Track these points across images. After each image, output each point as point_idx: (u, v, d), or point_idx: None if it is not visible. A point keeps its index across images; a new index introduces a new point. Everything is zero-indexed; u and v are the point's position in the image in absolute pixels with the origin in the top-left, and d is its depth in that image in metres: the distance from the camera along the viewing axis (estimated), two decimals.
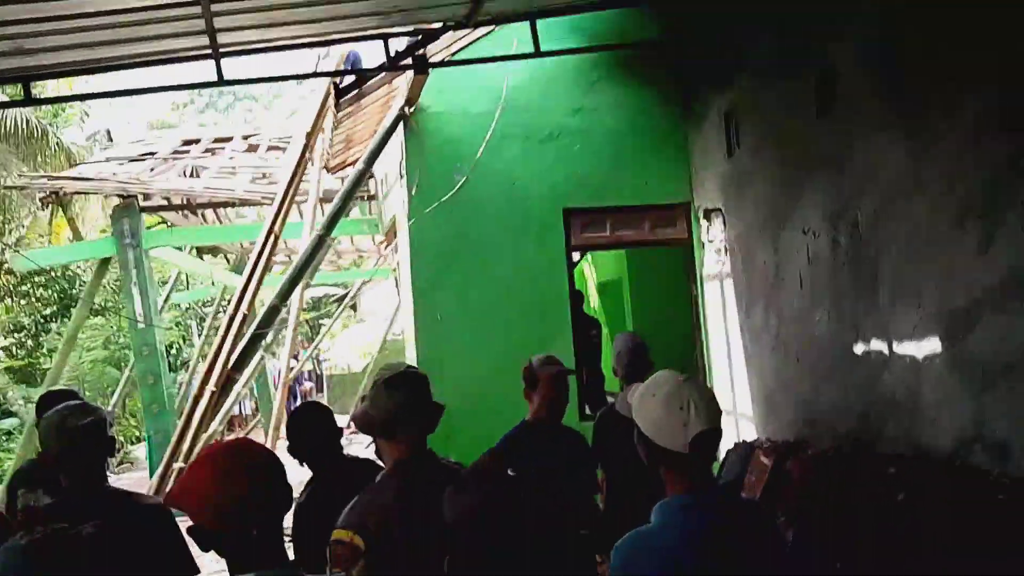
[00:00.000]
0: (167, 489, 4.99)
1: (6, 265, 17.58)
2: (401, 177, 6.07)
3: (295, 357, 17.32)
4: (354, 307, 25.60)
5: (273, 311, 4.97)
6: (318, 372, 26.06)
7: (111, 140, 20.10)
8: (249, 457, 1.71)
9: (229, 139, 10.92)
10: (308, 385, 24.27)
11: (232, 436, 16.60)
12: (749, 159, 5.39)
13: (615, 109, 6.30)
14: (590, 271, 11.63)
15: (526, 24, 5.17)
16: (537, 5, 5.11)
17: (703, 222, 6.27)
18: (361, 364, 23.38)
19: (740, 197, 5.57)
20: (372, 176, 8.40)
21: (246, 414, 19.33)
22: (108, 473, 2.74)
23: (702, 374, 6.16)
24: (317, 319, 24.12)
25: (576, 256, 7.58)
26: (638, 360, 4.27)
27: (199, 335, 19.73)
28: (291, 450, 2.97)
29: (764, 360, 5.38)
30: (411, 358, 6.41)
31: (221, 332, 5.33)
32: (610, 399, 5.75)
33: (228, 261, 15.28)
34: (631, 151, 6.31)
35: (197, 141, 10.70)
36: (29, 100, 4.56)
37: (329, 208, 5.66)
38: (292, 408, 3.52)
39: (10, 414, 15.10)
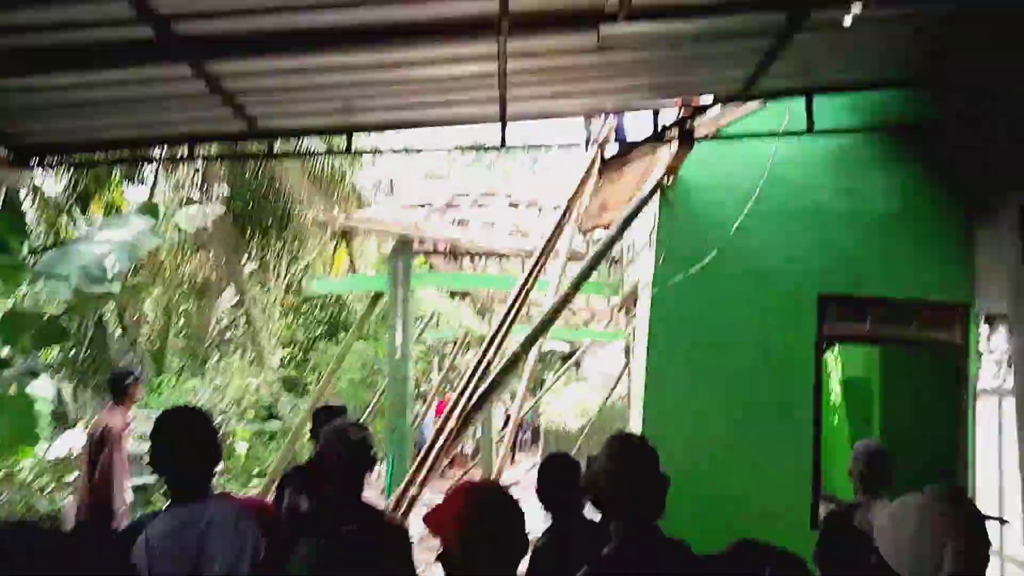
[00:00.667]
0: (403, 510, 5.43)
1: (294, 287, 20.55)
2: (649, 246, 6.18)
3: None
4: (577, 365, 26.05)
5: (515, 359, 5.29)
6: (535, 425, 26.66)
7: (392, 188, 22.87)
8: (499, 499, 1.89)
9: (494, 194, 11.90)
10: (526, 436, 24.94)
11: (453, 473, 17.58)
12: None
13: (888, 193, 5.91)
14: (834, 363, 10.78)
15: (798, 98, 5.09)
16: (816, 82, 5.01)
17: (983, 328, 5.58)
18: (577, 423, 23.57)
19: None
20: (620, 241, 8.63)
21: (467, 453, 20.33)
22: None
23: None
24: (541, 372, 24.84)
25: None
26: (878, 469, 3.99)
27: (438, 371, 21.32)
28: (539, 494, 3.12)
29: None
30: (634, 427, 6.39)
31: (468, 373, 5.74)
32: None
33: (474, 306, 16.45)
34: (902, 240, 5.85)
35: (467, 195, 11.80)
36: (349, 150, 5.42)
37: (578, 268, 5.92)
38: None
39: (276, 417, 17.28)
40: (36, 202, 12.75)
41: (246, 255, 19.58)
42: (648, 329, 5.89)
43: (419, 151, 7.43)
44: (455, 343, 17.33)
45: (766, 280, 5.87)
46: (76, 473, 7.66)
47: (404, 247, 9.36)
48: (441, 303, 13.13)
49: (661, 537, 2.25)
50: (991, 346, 5.43)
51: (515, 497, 1.97)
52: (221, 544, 2.48)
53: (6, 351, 8.49)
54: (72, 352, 12.02)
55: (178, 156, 6.10)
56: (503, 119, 5.05)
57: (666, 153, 5.62)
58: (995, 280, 5.41)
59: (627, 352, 12.47)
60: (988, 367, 5.45)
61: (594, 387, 25.90)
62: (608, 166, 5.82)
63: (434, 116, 5.17)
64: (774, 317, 5.84)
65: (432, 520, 1.88)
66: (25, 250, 8.22)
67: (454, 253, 10.70)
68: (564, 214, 6.19)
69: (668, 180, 5.76)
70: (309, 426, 4.48)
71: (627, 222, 5.80)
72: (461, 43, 3.86)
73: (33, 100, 4.65)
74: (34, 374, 9.22)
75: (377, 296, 11.15)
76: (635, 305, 7.69)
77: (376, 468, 3.02)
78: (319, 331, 21.95)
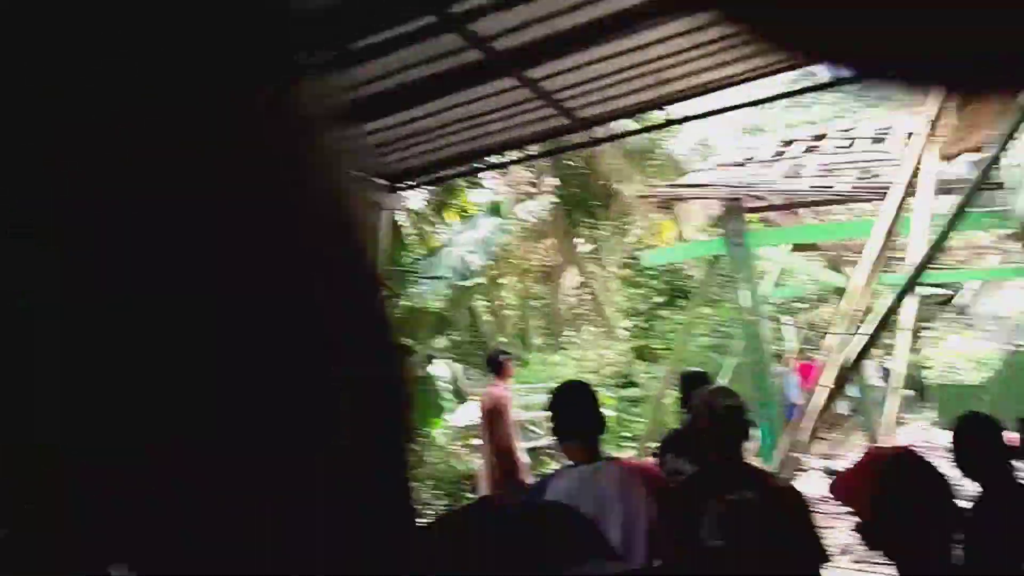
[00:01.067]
0: (791, 475, 5.25)
1: (628, 260, 21.10)
2: None
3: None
4: (961, 311, 22.36)
5: (890, 312, 4.74)
6: (918, 381, 23.57)
7: (708, 148, 22.13)
8: (917, 466, 1.70)
9: (824, 136, 10.81)
10: (909, 394, 22.25)
11: (833, 436, 16.42)
12: None
13: None
14: None
15: None
16: None
17: None
18: (975, 375, 20.31)
19: None
20: (1000, 162, 7.20)
21: (842, 415, 18.84)
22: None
23: None
24: (917, 322, 21.98)
25: None
26: None
27: (794, 327, 20.10)
28: (959, 462, 2.80)
29: None
30: None
31: (835, 332, 5.32)
32: None
33: (823, 258, 15.15)
34: None
35: (792, 142, 10.91)
36: (669, 122, 5.37)
37: (951, 201, 5.09)
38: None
39: (633, 384, 17.93)
40: (407, 217, 15.10)
41: (579, 237, 20.68)
42: None
43: (740, 107, 6.95)
44: (804, 300, 16.17)
45: None
46: (477, 440, 8.81)
47: (734, 206, 8.99)
48: (785, 259, 12.32)
49: None
50: None
51: (931, 464, 1.77)
52: (618, 503, 2.66)
53: (409, 342, 10.21)
54: (456, 338, 14.01)
55: (514, 159, 6.70)
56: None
57: None
58: None
59: None
60: None
61: (987, 335, 21.99)
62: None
63: (749, 69, 4.85)
64: None
65: (842, 489, 1.78)
66: (408, 259, 9.73)
67: (790, 205, 9.97)
68: (924, 141, 5.34)
69: None
70: (677, 394, 4.53)
71: (1006, 138, 4.80)
72: None
73: (398, 133, 5.46)
74: (431, 359, 10.92)
75: (714, 260, 10.90)
76: None
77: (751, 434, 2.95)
78: (659, 300, 22.25)
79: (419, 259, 10.57)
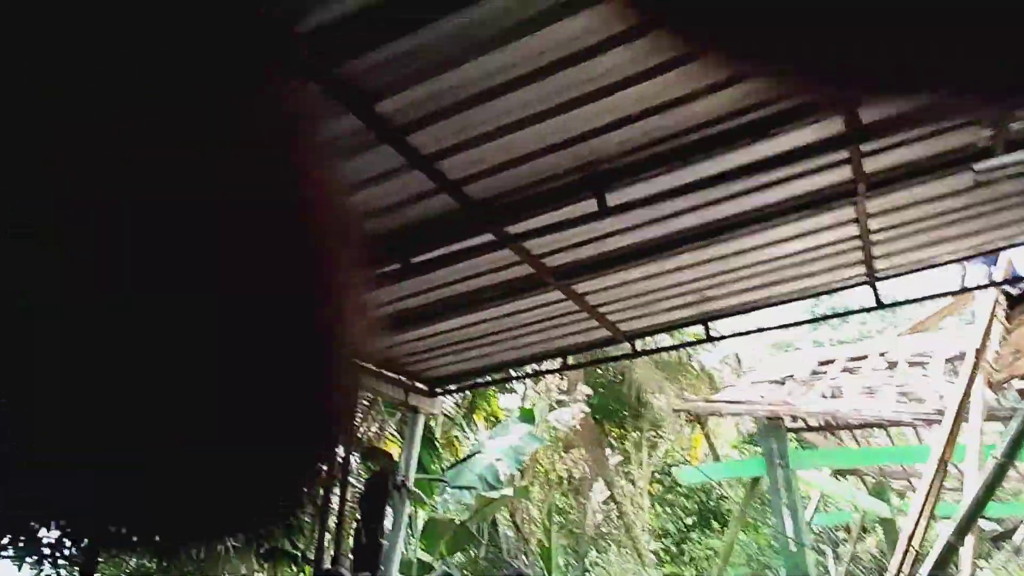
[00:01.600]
0: None
1: (656, 475, 20.34)
2: None
3: None
4: (1018, 551, 20.72)
5: (950, 550, 4.41)
6: None
7: (739, 362, 22.16)
8: None
9: (864, 357, 10.80)
10: None
11: None
12: None
13: None
14: None
15: None
16: None
17: None
18: None
19: None
20: None
21: None
22: None
23: None
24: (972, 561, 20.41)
25: None
26: None
27: (834, 561, 18.70)
28: None
29: None
30: None
31: (893, 571, 4.92)
32: None
33: (865, 484, 14.45)
34: None
35: (832, 361, 10.90)
36: (710, 338, 5.44)
37: (1007, 429, 4.93)
38: None
39: None
40: (436, 420, 14.97)
41: (608, 448, 20.15)
42: None
43: (781, 327, 7.19)
44: (847, 528, 15.21)
45: None
46: None
47: (775, 426, 8.79)
48: (827, 483, 11.78)
49: None
50: None
51: None
52: None
53: (426, 556, 9.61)
54: (474, 553, 13.15)
55: (551, 369, 6.75)
56: (871, 278, 4.70)
57: None
58: None
59: None
60: None
61: None
62: (1015, 307, 4.94)
63: (791, 290, 5.00)
64: None
65: None
66: (436, 466, 9.49)
67: (830, 426, 9.73)
68: (974, 367, 5.29)
69: None
70: None
71: None
72: (817, 215, 3.77)
73: (442, 340, 5.58)
74: (448, 575, 10.22)
75: (755, 481, 10.45)
76: None
77: None
78: (690, 521, 21.11)
79: (448, 467, 10.32)
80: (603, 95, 2.82)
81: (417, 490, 7.02)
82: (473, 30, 2.49)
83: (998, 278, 5.06)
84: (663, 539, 22.15)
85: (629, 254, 4.30)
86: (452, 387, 6.92)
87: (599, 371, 18.52)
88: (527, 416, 11.35)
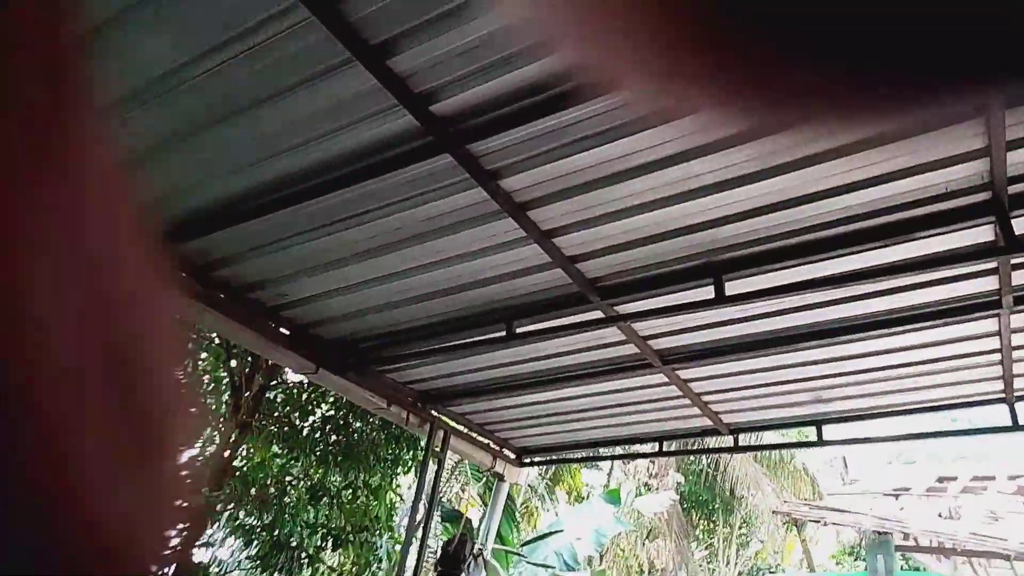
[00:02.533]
0: None
1: (744, 574, 19.08)
2: None
3: None
4: None
5: None
6: None
7: (846, 466, 20.76)
8: None
9: (991, 478, 9.86)
10: None
11: None
12: None
13: None
14: None
15: None
16: None
17: None
18: None
19: None
20: None
21: None
22: None
23: None
24: None
25: None
26: None
27: None
28: None
29: None
30: None
31: None
32: None
33: None
34: None
35: (954, 479, 10.01)
36: (822, 442, 5.11)
37: None
38: None
39: None
40: (518, 489, 14.72)
41: (695, 541, 19.14)
42: None
43: (899, 438, 6.60)
44: None
45: None
46: None
47: (883, 541, 8.09)
48: None
49: None
50: None
51: None
52: None
53: None
54: None
55: (646, 452, 6.50)
56: (1010, 397, 4.30)
57: None
58: None
59: None
60: None
61: None
62: None
63: (920, 400, 4.63)
64: None
65: None
66: (515, 539, 9.25)
67: (945, 549, 8.86)
68: None
69: None
70: None
71: None
72: (959, 322, 3.50)
73: (534, 412, 5.51)
74: None
75: None
76: None
77: None
78: None
79: (527, 540, 10.06)
80: (729, 187, 2.77)
81: (494, 561, 6.85)
82: (591, 124, 2.53)
83: None
84: None
85: (741, 345, 4.13)
86: (540, 459, 6.78)
87: (693, 459, 17.80)
88: (613, 497, 10.95)
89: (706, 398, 4.94)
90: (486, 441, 6.06)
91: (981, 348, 3.85)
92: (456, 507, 10.82)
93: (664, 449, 5.87)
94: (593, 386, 4.90)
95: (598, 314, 3.80)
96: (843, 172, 2.60)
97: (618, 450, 8.37)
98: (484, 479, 8.65)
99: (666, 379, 4.64)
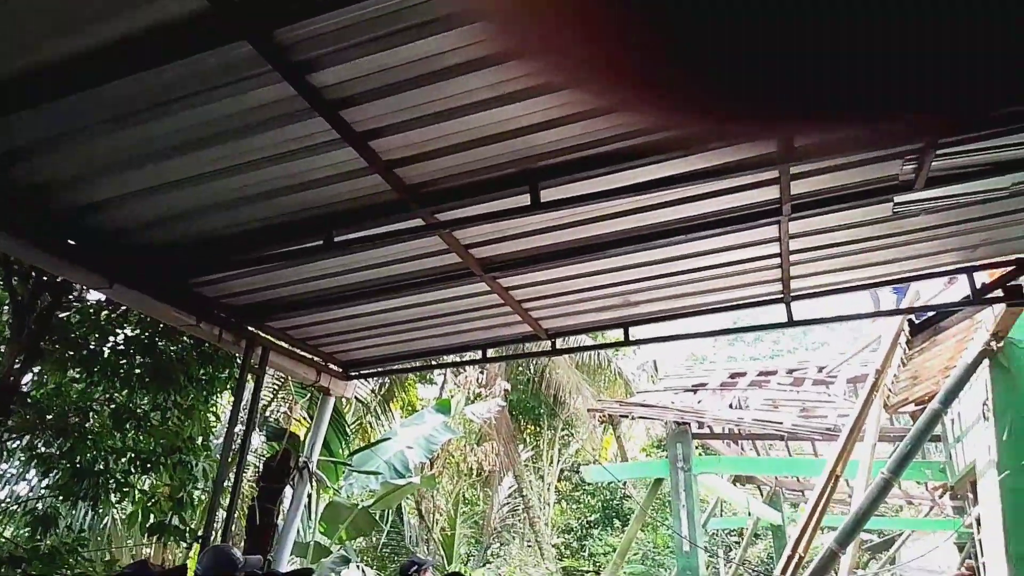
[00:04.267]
0: None
1: (565, 473, 20.69)
2: (985, 419, 5.27)
3: None
4: (893, 560, 22.13)
5: (831, 557, 4.62)
6: None
7: (656, 370, 22.73)
8: None
9: (773, 372, 11.22)
10: None
11: None
12: None
13: None
14: None
15: None
16: None
17: None
18: None
19: None
20: (943, 416, 7.51)
21: None
22: None
23: None
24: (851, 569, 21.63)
25: None
26: None
27: (724, 565, 19.46)
28: None
29: None
30: None
31: (778, 574, 5.14)
32: None
33: (761, 492, 15.06)
34: None
35: (743, 374, 11.27)
36: (628, 342, 5.50)
37: (896, 449, 5.18)
38: None
39: None
40: (348, 405, 14.72)
41: (522, 444, 20.31)
42: (1002, 519, 4.85)
43: (697, 336, 7.52)
44: (741, 532, 15.85)
45: None
46: None
47: (681, 431, 9.03)
48: (724, 489, 12.20)
49: None
50: None
51: None
52: None
53: (325, 540, 9.42)
54: (375, 539, 12.97)
55: (471, 359, 6.69)
56: (787, 296, 4.84)
57: (988, 315, 4.90)
58: None
59: (977, 547, 10.39)
60: None
61: None
62: (916, 335, 5.21)
63: (712, 301, 5.11)
64: None
65: None
66: (344, 450, 9.28)
67: (734, 435, 10.07)
68: (872, 389, 5.55)
69: (997, 344, 4.97)
70: None
71: (951, 394, 5.04)
72: (742, 229, 3.85)
73: (358, 324, 5.45)
74: (346, 561, 10.03)
75: (658, 482, 10.72)
76: (970, 489, 6.46)
77: None
78: (592, 518, 21.55)
79: (357, 451, 10.12)
80: (544, 91, 2.78)
81: (320, 472, 6.85)
82: (417, 12, 2.41)
83: (904, 306, 5.33)
84: (566, 534, 22.57)
85: (557, 252, 4.28)
86: (367, 371, 6.77)
87: (520, 368, 18.62)
88: (443, 407, 11.25)
89: (526, 305, 5.12)
90: (310, 356, 5.94)
91: (764, 253, 4.26)
92: (282, 427, 10.62)
93: (488, 356, 6.06)
94: (417, 296, 4.91)
95: (419, 222, 3.77)
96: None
97: (447, 360, 8.55)
98: (309, 395, 8.51)
99: (488, 288, 4.74)
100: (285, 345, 5.63)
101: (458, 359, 7.12)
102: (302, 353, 5.84)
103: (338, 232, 3.80)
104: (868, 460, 6.03)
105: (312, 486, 6.84)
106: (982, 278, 4.71)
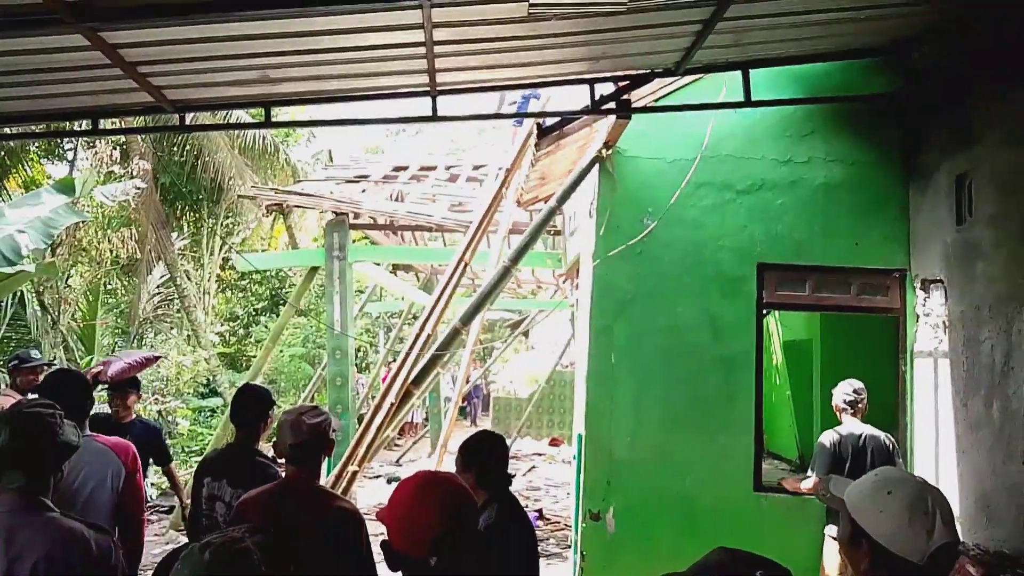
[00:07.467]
0: (340, 489, 5.29)
1: (231, 262, 19.95)
2: (591, 217, 6.06)
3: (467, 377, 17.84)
4: (526, 334, 26.07)
5: (455, 333, 5.15)
6: (485, 392, 26.80)
7: (332, 160, 22.23)
8: (448, 493, 1.81)
9: (433, 168, 11.58)
10: (477, 402, 25.05)
11: (403, 442, 17.48)
12: (984, 229, 4.79)
13: (827, 163, 5.89)
14: (775, 327, 10.98)
15: (737, 71, 5.00)
16: (751, 55, 4.91)
17: (920, 293, 5.66)
18: (526, 390, 23.77)
19: (968, 270, 4.96)
20: (561, 213, 8.50)
21: (416, 422, 20.31)
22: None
23: (903, 460, 5.51)
24: (490, 342, 24.94)
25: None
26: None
27: (384, 343, 21.06)
28: (478, 474, 3.00)
29: (981, 457, 4.72)
30: (580, 395, 6.35)
31: (406, 348, 5.61)
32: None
33: (418, 279, 16.17)
34: (842, 209, 5.86)
35: (405, 168, 11.46)
36: (268, 123, 5.09)
37: (518, 240, 5.77)
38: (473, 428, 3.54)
39: (216, 394, 16.83)
40: None
41: (176, 231, 18.81)
42: (591, 299, 5.80)
43: (344, 123, 7.35)
44: (401, 315, 17.13)
45: (705, 250, 5.83)
46: None
47: (339, 221, 9.04)
48: (382, 277, 12.81)
49: None
50: (927, 309, 5.50)
51: (464, 490, 1.90)
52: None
53: None
54: None
55: (82, 129, 5.65)
56: (433, 90, 4.81)
57: (604, 125, 5.46)
58: (931, 247, 5.47)
59: (573, 321, 12.44)
60: (925, 330, 5.53)
61: (543, 356, 25.99)
62: (545, 139, 5.64)
63: (358, 87, 4.88)
64: (714, 285, 5.81)
65: (381, 513, 1.84)
66: None
67: (394, 227, 10.41)
68: (501, 186, 6.00)
69: (607, 152, 5.61)
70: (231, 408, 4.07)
71: (566, 194, 5.66)
72: (384, 10, 3.60)
73: None
74: None
75: (313, 270, 10.80)
76: (578, 275, 7.60)
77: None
78: (260, 306, 21.42)
79: None
80: None
81: None
82: None
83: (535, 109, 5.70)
84: (231, 322, 22.23)
85: (175, 5, 3.61)
86: None
87: (173, 148, 16.73)
88: (66, 186, 9.66)
89: (143, 69, 4.36)
90: None
91: (408, 40, 4.09)
92: None
93: (102, 128, 5.18)
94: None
95: None
96: None
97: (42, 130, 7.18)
98: None
99: (87, 42, 3.90)
100: None
101: (58, 127, 6.00)
102: None
103: None
104: (499, 250, 6.65)
105: None
106: (605, 90, 5.15)
